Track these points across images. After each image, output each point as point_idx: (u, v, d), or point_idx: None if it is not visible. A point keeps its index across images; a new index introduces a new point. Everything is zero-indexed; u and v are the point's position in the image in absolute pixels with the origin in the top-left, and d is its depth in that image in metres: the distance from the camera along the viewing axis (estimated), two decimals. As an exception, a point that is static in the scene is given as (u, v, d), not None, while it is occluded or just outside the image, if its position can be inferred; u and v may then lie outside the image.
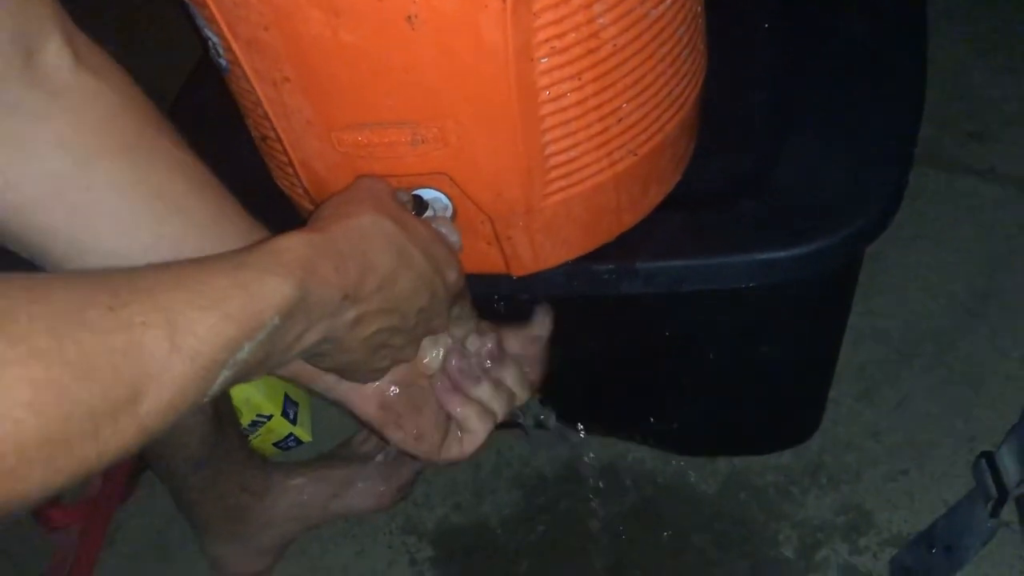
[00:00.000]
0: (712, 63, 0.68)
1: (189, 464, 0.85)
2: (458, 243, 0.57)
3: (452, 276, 0.54)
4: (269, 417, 1.04)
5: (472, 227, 0.61)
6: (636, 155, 0.60)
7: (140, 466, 1.06)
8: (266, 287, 0.41)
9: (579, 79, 0.54)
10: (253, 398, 1.02)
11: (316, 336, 0.46)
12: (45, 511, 1.13)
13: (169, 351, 0.36)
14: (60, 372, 0.33)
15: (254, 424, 1.04)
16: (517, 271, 0.64)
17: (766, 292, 0.67)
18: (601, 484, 0.99)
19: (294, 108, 0.56)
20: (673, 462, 0.99)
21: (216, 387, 0.40)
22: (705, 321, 0.71)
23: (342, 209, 0.50)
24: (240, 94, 0.61)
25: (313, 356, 0.49)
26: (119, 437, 0.35)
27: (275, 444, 1.07)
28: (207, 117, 0.75)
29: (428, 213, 0.59)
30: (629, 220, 0.65)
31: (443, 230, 0.55)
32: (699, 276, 0.64)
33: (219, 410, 0.85)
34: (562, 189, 0.59)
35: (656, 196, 0.66)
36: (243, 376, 0.41)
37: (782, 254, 0.63)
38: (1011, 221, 1.11)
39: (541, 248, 0.63)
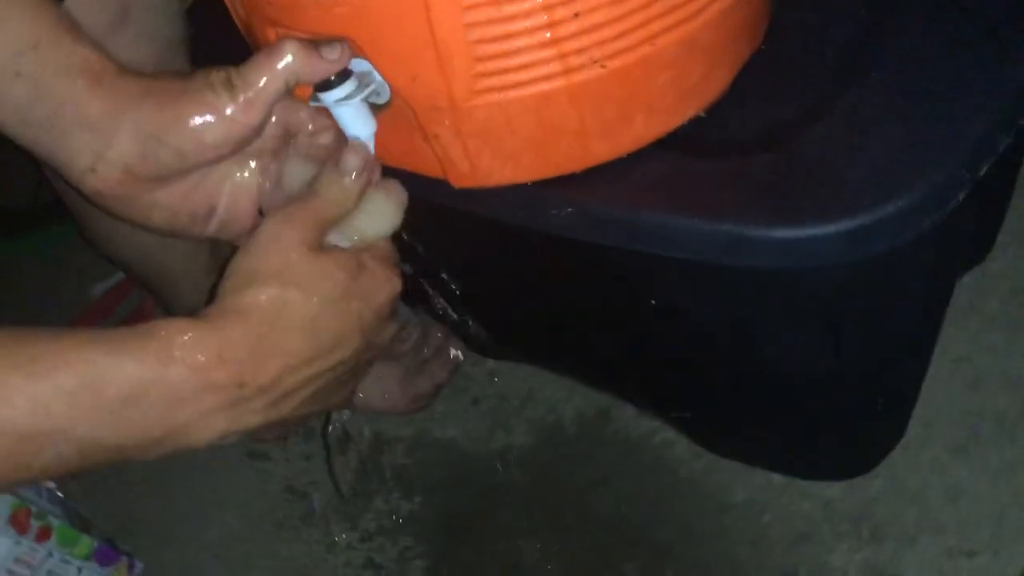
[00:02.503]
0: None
1: (183, 311, 0.83)
2: (367, 135, 0.51)
3: (385, 307, 0.50)
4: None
5: (405, 117, 0.52)
6: (604, 68, 0.48)
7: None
8: (113, 366, 0.40)
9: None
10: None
11: (220, 425, 0.44)
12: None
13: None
14: None
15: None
16: (456, 180, 0.54)
17: (768, 276, 0.52)
18: (617, 458, 0.88)
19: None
20: (704, 457, 0.85)
21: (47, 461, 0.40)
22: (692, 296, 0.57)
23: (243, 278, 0.45)
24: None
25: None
26: None
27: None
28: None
29: (348, 86, 0.50)
30: (602, 151, 0.52)
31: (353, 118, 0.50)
32: (664, 239, 0.50)
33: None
34: (496, 89, 0.48)
35: (646, 129, 0.52)
36: (100, 459, 0.42)
37: (777, 232, 0.48)
38: None
39: (479, 158, 0.52)
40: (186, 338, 0.42)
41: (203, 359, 0.42)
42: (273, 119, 0.49)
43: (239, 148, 0.49)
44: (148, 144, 0.46)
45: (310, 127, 0.50)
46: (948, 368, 0.83)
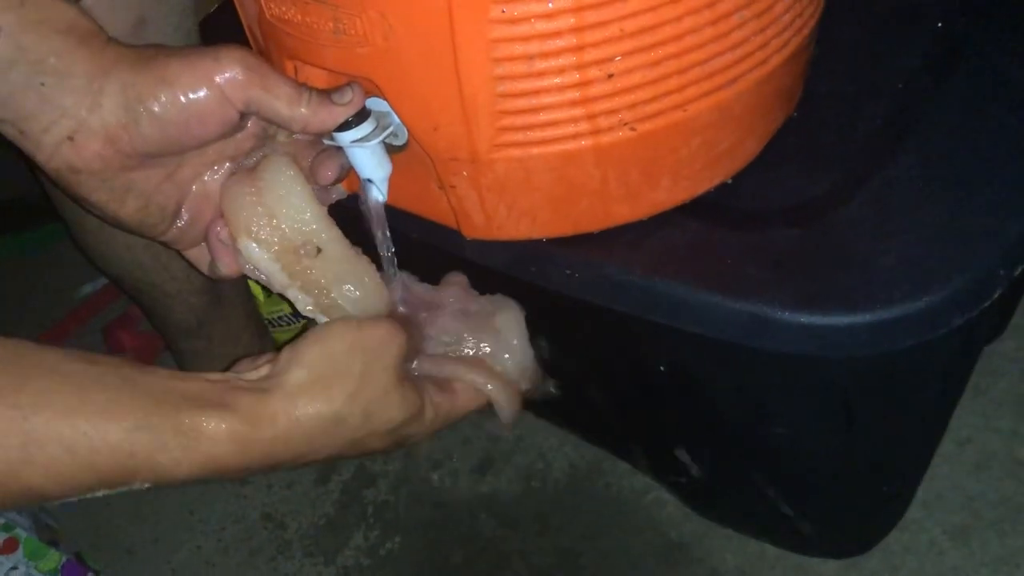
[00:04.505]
0: (833, 46, 0.52)
1: (177, 330, 0.81)
2: (381, 178, 0.50)
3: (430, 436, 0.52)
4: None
5: (422, 162, 0.50)
6: (633, 131, 0.46)
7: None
8: (151, 463, 0.40)
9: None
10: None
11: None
12: (117, 331, 1.16)
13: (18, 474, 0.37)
14: None
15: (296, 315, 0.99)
16: (468, 232, 0.52)
17: (784, 358, 0.50)
18: (606, 513, 0.85)
19: (233, -42, 0.47)
20: (695, 520, 0.83)
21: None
22: (702, 369, 0.55)
23: (314, 393, 0.44)
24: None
25: None
26: None
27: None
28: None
29: (366, 127, 0.48)
30: (624, 213, 0.50)
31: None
32: (680, 312, 0.48)
33: (220, 289, 0.80)
34: (519, 144, 0.46)
35: (671, 194, 0.50)
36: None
37: (800, 318, 0.46)
38: None
39: (495, 211, 0.50)
40: (230, 451, 0.42)
41: (234, 470, 0.43)
42: (252, 119, 0.48)
43: (221, 131, 0.46)
44: (132, 110, 0.44)
45: (296, 126, 0.47)
46: (953, 449, 0.80)
